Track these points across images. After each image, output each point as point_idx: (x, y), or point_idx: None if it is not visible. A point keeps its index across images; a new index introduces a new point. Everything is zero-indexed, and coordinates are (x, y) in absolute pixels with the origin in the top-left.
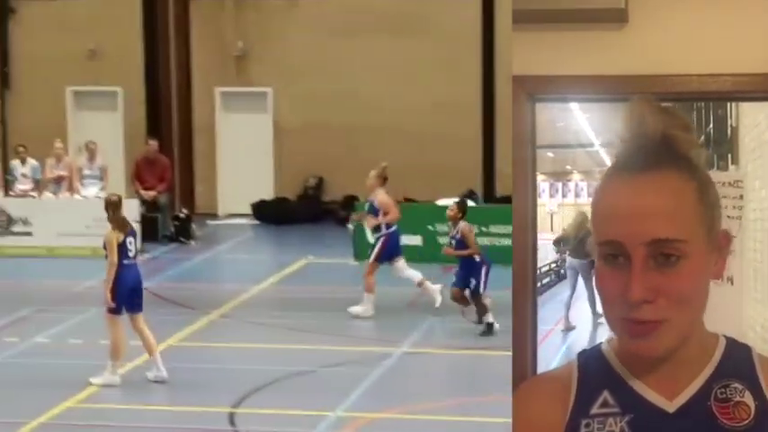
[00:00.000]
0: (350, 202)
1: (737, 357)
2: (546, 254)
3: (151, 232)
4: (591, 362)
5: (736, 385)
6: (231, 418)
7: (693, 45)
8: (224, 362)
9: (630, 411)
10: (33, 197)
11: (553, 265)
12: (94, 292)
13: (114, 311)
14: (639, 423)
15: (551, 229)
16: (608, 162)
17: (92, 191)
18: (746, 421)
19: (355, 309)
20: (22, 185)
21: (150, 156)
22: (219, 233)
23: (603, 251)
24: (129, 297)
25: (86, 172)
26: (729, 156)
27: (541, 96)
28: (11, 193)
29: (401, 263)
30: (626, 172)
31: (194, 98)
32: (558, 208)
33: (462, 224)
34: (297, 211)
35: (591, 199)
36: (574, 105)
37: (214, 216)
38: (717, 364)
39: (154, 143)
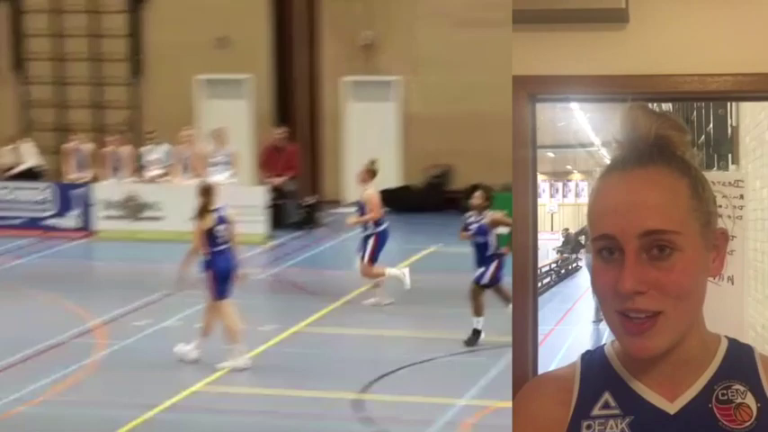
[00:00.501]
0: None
1: (739, 358)
2: (546, 254)
3: (278, 219)
4: (593, 363)
5: (738, 387)
6: (356, 405)
7: (693, 45)
8: (349, 348)
9: (631, 413)
10: (164, 183)
11: (553, 266)
12: None
13: (219, 297)
14: (640, 425)
15: (551, 229)
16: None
17: (220, 177)
18: (748, 423)
19: (370, 300)
20: (152, 171)
21: (278, 143)
22: (345, 221)
23: (598, 246)
24: (229, 281)
25: (215, 159)
26: (730, 155)
27: (542, 97)
28: (142, 178)
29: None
30: (619, 169)
31: (321, 87)
32: (559, 208)
33: (491, 213)
34: (422, 200)
35: (588, 200)
36: (574, 105)
37: (340, 203)
38: (718, 366)
39: (281, 131)
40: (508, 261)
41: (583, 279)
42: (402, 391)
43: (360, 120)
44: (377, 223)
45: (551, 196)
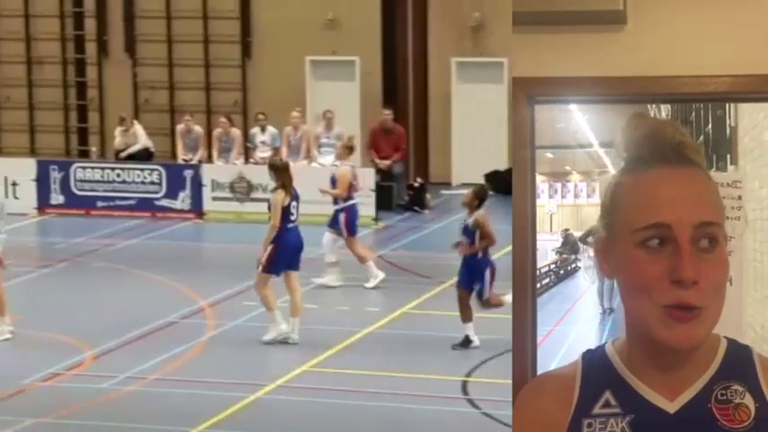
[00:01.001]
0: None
1: (738, 359)
2: (545, 254)
3: (386, 201)
4: (594, 362)
5: (737, 387)
6: (464, 387)
7: (692, 46)
8: (455, 330)
9: (632, 412)
10: None
11: (552, 266)
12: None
13: (271, 271)
14: (640, 423)
15: (550, 230)
16: (607, 163)
17: (328, 159)
18: (746, 423)
19: (369, 284)
20: (261, 153)
21: (386, 125)
22: (453, 202)
23: (643, 236)
24: (291, 259)
25: (323, 140)
26: (728, 156)
27: (541, 98)
28: (251, 160)
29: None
30: (657, 166)
31: (430, 68)
32: (557, 208)
33: (479, 213)
34: None
35: (607, 195)
36: (573, 106)
37: (448, 185)
38: (718, 366)
39: (388, 113)
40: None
41: (582, 280)
42: (508, 375)
43: (468, 101)
44: (345, 199)
45: (550, 197)
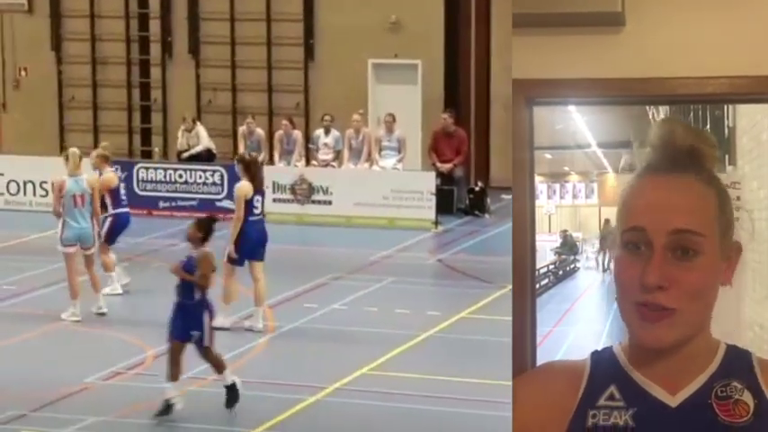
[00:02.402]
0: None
1: (738, 359)
2: (544, 255)
3: (446, 205)
4: (602, 359)
5: (736, 384)
6: None
7: (690, 48)
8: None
9: (635, 405)
10: (334, 167)
11: (551, 267)
12: (390, 261)
13: (235, 262)
14: (643, 416)
15: (549, 231)
16: (606, 164)
17: (389, 162)
18: (745, 419)
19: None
20: (323, 155)
21: (447, 128)
22: None
23: (626, 239)
24: (253, 250)
25: (384, 143)
26: (727, 157)
27: (540, 100)
28: (313, 162)
29: None
30: (655, 172)
31: (492, 72)
32: (556, 209)
33: (203, 249)
34: None
35: (621, 195)
36: (572, 107)
37: (508, 189)
38: (718, 365)
39: (450, 116)
40: None
41: (581, 280)
42: None
43: None
44: (114, 205)
45: (549, 198)
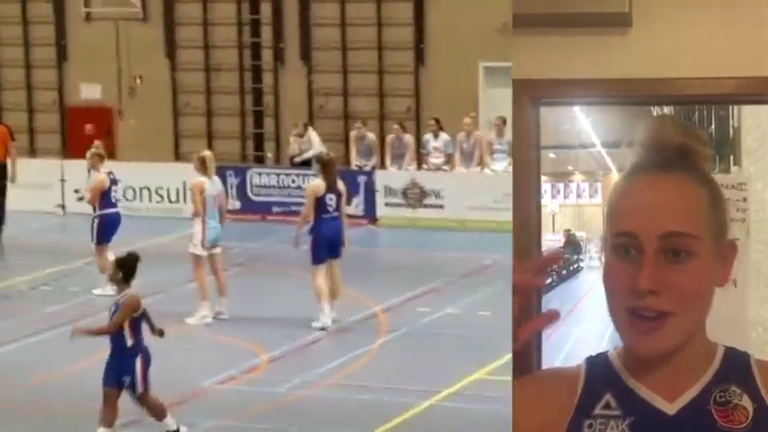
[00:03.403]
0: None
1: (737, 363)
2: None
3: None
4: (597, 366)
5: (735, 389)
6: None
7: (696, 48)
8: None
9: (632, 414)
10: (445, 171)
11: (555, 266)
12: (503, 265)
13: (315, 261)
14: (640, 425)
15: (553, 230)
16: (610, 163)
17: (500, 165)
18: (744, 424)
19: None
20: (434, 159)
21: None
22: None
23: (616, 243)
24: (329, 247)
25: (495, 147)
26: (731, 157)
27: (546, 100)
28: (424, 166)
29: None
30: (644, 172)
31: None
32: (560, 209)
33: (127, 290)
34: None
35: (607, 198)
36: (576, 108)
37: None
38: (717, 369)
39: None
40: None
41: (584, 280)
42: None
43: None
44: (102, 206)
45: (553, 197)
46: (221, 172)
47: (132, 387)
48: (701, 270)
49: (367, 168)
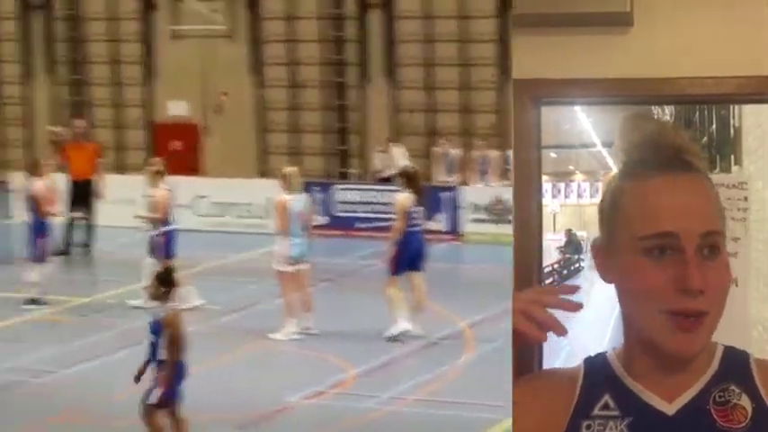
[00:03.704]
0: None
1: (736, 362)
2: (548, 254)
3: None
4: (595, 366)
5: (734, 388)
6: None
7: (697, 48)
8: None
9: (630, 414)
10: None
11: (556, 266)
12: None
13: (394, 272)
14: (639, 425)
15: (554, 230)
16: (611, 163)
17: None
18: (744, 424)
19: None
20: None
21: None
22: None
23: (649, 244)
24: (412, 260)
25: None
26: (732, 157)
27: (547, 100)
28: (508, 182)
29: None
30: (658, 173)
31: None
32: (561, 208)
33: (170, 307)
34: None
35: (607, 199)
36: (577, 107)
37: None
38: (716, 369)
39: None
40: None
41: (585, 279)
42: None
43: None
44: (164, 223)
45: (554, 197)
46: (307, 188)
47: (148, 397)
48: (727, 266)
49: (451, 184)
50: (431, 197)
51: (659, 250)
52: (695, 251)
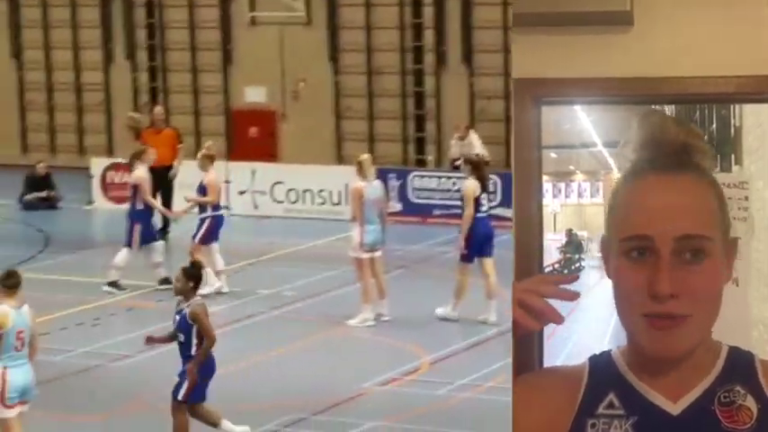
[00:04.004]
0: None
1: (740, 363)
2: (549, 253)
3: None
4: (600, 365)
5: (739, 389)
6: None
7: (698, 47)
8: None
9: (635, 413)
10: None
11: (556, 266)
12: None
13: (465, 259)
14: (644, 425)
15: (554, 230)
16: (611, 163)
17: None
18: (749, 424)
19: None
20: None
21: None
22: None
23: (627, 246)
24: (481, 246)
25: None
26: (732, 156)
27: (547, 99)
28: None
29: (215, 246)
30: (651, 173)
31: None
32: (561, 208)
33: (196, 301)
34: None
35: (609, 198)
36: (577, 106)
37: None
38: (720, 370)
39: None
40: None
41: (586, 280)
42: None
43: None
44: (214, 207)
45: (554, 196)
46: (383, 174)
47: (176, 392)
48: (715, 270)
49: None
50: (509, 184)
51: (638, 252)
52: (671, 254)
